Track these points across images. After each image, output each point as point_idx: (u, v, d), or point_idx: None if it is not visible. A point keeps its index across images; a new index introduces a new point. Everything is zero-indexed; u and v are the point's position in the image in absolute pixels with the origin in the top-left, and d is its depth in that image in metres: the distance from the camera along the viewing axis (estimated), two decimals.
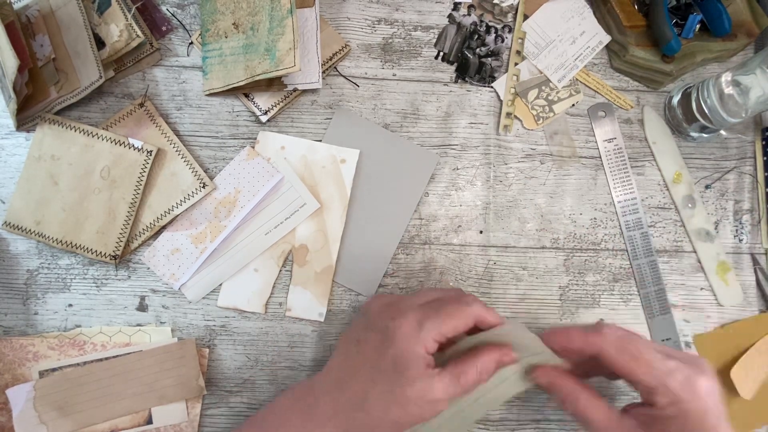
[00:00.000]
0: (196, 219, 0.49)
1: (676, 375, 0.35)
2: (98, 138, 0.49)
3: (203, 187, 0.49)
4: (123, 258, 0.49)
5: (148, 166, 0.49)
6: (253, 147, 0.50)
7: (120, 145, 0.49)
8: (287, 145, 0.51)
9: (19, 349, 0.48)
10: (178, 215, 0.49)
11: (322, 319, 0.50)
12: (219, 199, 0.48)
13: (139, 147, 0.49)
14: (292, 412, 0.41)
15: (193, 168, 0.49)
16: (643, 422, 0.36)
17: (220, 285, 0.50)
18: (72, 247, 0.48)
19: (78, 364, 0.48)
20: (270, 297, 0.50)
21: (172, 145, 0.50)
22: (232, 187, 0.49)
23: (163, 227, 0.49)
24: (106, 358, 0.48)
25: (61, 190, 0.48)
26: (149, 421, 0.47)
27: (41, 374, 0.47)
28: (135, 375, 0.47)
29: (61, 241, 0.48)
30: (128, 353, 0.48)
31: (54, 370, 0.48)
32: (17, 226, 0.48)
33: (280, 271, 0.50)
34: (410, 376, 0.37)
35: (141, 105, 0.50)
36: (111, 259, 0.48)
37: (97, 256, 0.48)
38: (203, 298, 0.50)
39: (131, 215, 0.48)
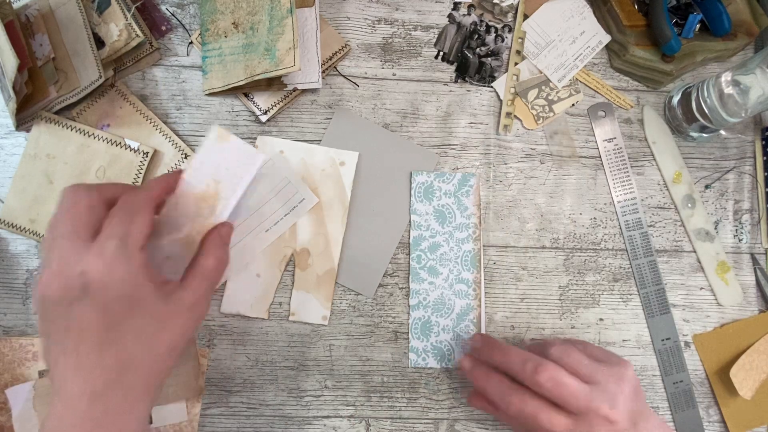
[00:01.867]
0: (177, 222, 0.39)
1: (591, 405, 0.39)
2: (94, 138, 0.49)
3: (185, 158, 0.50)
4: None
5: (144, 167, 0.49)
6: (224, 128, 0.41)
7: (116, 145, 0.49)
8: (286, 149, 0.51)
9: (19, 348, 0.48)
10: None
11: (326, 323, 0.50)
12: (196, 194, 0.39)
13: (135, 148, 0.49)
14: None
15: (173, 140, 0.50)
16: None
17: (223, 289, 0.50)
18: None
19: None
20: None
21: (149, 120, 0.50)
22: (210, 178, 0.39)
23: None
24: None
25: (56, 189, 0.48)
26: (149, 421, 0.47)
27: (41, 374, 0.47)
28: None
29: None
30: None
31: None
32: (12, 224, 0.48)
33: (283, 274, 0.50)
34: (151, 303, 0.34)
35: (112, 86, 0.50)
36: None
37: None
38: None
39: None
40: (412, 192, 0.52)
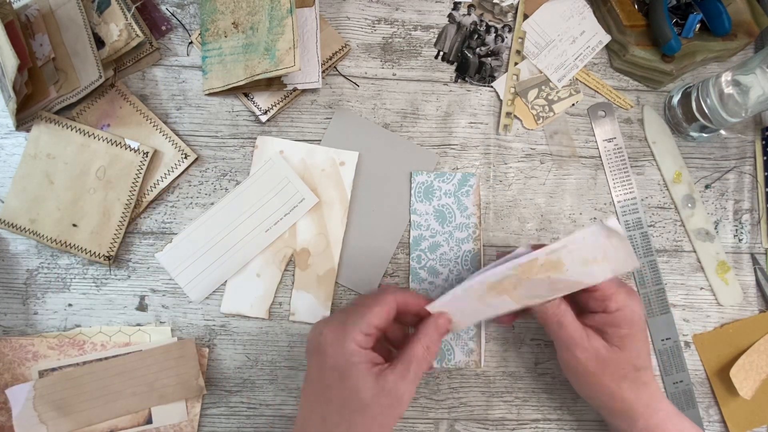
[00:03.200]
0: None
1: (621, 287, 0.42)
2: (94, 138, 0.49)
3: (185, 158, 0.50)
4: (121, 244, 0.49)
5: (144, 167, 0.49)
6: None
7: (116, 145, 0.49)
8: (286, 149, 0.51)
9: (19, 348, 0.48)
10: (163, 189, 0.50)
11: None
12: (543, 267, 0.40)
13: (135, 148, 0.49)
14: None
15: (173, 140, 0.50)
16: (595, 330, 0.42)
17: (223, 289, 0.50)
18: (66, 246, 0.48)
19: (78, 364, 0.48)
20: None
21: (149, 120, 0.50)
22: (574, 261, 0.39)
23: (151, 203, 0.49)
24: (106, 358, 0.48)
25: (56, 189, 0.48)
26: (149, 421, 0.47)
27: (41, 374, 0.47)
28: (135, 375, 0.47)
29: (55, 240, 0.48)
30: (128, 353, 0.48)
31: (54, 369, 0.48)
32: (12, 224, 0.48)
33: (283, 274, 0.50)
34: (357, 377, 0.38)
35: (112, 86, 0.50)
36: (105, 260, 0.48)
37: (90, 256, 0.48)
38: (204, 298, 0.50)
39: (126, 216, 0.48)
40: (412, 192, 0.52)
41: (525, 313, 0.44)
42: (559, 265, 0.39)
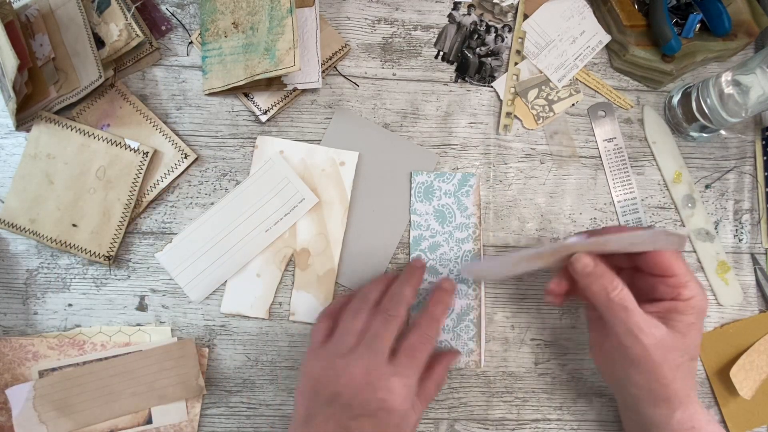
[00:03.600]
0: None
1: (694, 277, 0.42)
2: (94, 138, 0.49)
3: (185, 157, 0.50)
4: (121, 244, 0.49)
5: (144, 167, 0.49)
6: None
7: (116, 145, 0.49)
8: (286, 149, 0.51)
9: (19, 348, 0.48)
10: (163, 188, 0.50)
11: None
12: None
13: (135, 148, 0.49)
14: None
15: (173, 140, 0.50)
16: (659, 316, 0.42)
17: (223, 289, 0.50)
18: (66, 246, 0.48)
19: (78, 364, 0.48)
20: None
21: (149, 120, 0.50)
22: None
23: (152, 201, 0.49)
24: (106, 358, 0.48)
25: (56, 189, 0.48)
26: (149, 421, 0.47)
27: (41, 374, 0.47)
28: (135, 375, 0.47)
29: (55, 240, 0.48)
30: (128, 353, 0.48)
31: (54, 369, 0.48)
32: (12, 224, 0.48)
33: (283, 274, 0.50)
34: (410, 422, 0.41)
35: (112, 86, 0.50)
36: (105, 260, 0.48)
37: (90, 256, 0.48)
38: (204, 298, 0.50)
39: (126, 216, 0.48)
40: (412, 192, 0.52)
41: (575, 294, 0.45)
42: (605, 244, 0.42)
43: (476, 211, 0.52)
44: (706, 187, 0.54)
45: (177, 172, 0.50)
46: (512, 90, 0.54)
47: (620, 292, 0.41)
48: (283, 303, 0.50)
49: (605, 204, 0.53)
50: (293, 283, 0.50)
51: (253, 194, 0.50)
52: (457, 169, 0.53)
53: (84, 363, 0.48)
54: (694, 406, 0.42)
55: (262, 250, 0.50)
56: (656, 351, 0.41)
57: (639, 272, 0.44)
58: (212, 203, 0.51)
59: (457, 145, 0.53)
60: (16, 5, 0.49)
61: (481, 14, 0.55)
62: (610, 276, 0.42)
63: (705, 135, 0.53)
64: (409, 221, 0.51)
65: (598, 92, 0.55)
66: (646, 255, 0.42)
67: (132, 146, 0.49)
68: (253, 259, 0.50)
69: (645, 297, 0.43)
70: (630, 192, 0.53)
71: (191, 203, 0.51)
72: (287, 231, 0.50)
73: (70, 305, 0.49)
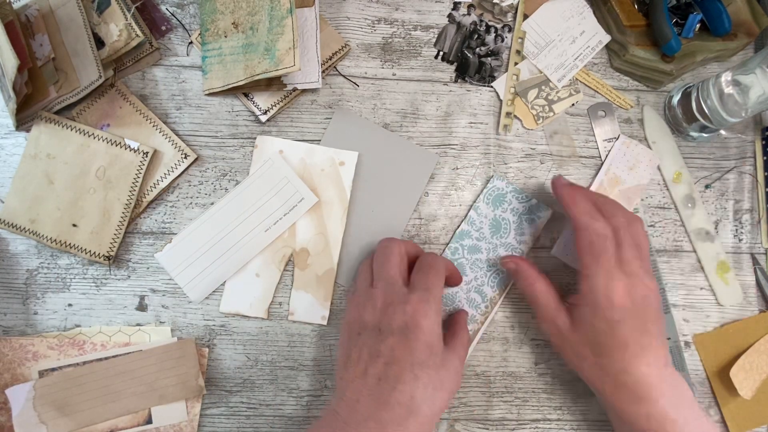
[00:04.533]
0: None
1: (603, 273, 0.42)
2: (94, 138, 0.49)
3: (185, 158, 0.50)
4: (121, 244, 0.49)
5: (144, 167, 0.49)
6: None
7: (116, 145, 0.49)
8: (285, 148, 0.51)
9: (19, 348, 0.48)
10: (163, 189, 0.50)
11: (324, 323, 0.50)
12: None
13: (135, 148, 0.49)
14: None
15: (173, 140, 0.50)
16: (569, 307, 0.45)
17: (222, 289, 0.50)
18: (66, 246, 0.48)
19: (78, 364, 0.48)
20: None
21: (148, 120, 0.50)
22: None
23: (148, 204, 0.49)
24: (106, 358, 0.48)
25: (56, 189, 0.48)
26: (149, 421, 0.47)
27: (41, 374, 0.47)
28: (135, 375, 0.47)
29: (55, 240, 0.48)
30: (128, 353, 0.48)
31: (54, 369, 0.48)
32: (12, 224, 0.48)
33: (282, 274, 0.50)
34: (441, 353, 0.41)
35: (112, 86, 0.50)
36: (105, 260, 0.48)
37: (90, 256, 0.48)
38: (204, 298, 0.50)
39: (126, 216, 0.48)
40: (484, 192, 0.52)
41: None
42: None
43: (530, 242, 0.51)
44: (706, 187, 0.54)
45: (177, 172, 0.50)
46: (512, 90, 0.54)
47: (532, 287, 0.46)
48: (283, 303, 0.50)
49: None
50: (292, 282, 0.50)
51: (252, 194, 0.50)
52: (457, 169, 0.53)
53: (84, 363, 0.48)
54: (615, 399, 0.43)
55: (261, 250, 0.50)
56: (555, 339, 0.45)
57: None
58: (212, 203, 0.51)
59: (457, 145, 0.53)
60: (16, 5, 0.49)
61: (481, 14, 0.55)
62: (526, 274, 0.47)
63: (705, 135, 0.53)
64: (467, 214, 0.52)
65: (598, 92, 0.55)
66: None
67: (132, 146, 0.49)
68: (252, 258, 0.50)
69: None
70: None
71: (191, 203, 0.51)
72: (286, 231, 0.50)
73: (70, 305, 0.49)
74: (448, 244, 0.51)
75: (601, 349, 0.42)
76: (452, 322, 0.48)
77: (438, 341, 0.41)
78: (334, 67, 0.53)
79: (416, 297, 0.41)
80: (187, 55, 0.52)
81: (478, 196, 0.52)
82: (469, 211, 0.52)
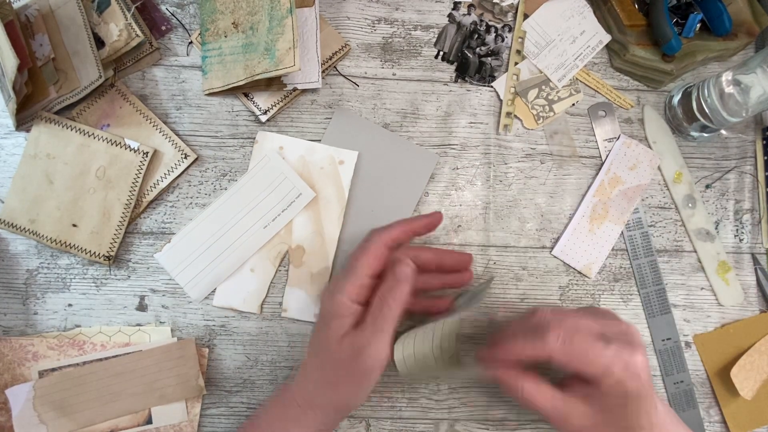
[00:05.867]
0: None
1: (617, 361, 0.38)
2: (94, 138, 0.49)
3: (185, 158, 0.50)
4: (121, 244, 0.49)
5: (144, 167, 0.49)
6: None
7: (116, 145, 0.49)
8: (286, 145, 0.51)
9: (19, 349, 0.48)
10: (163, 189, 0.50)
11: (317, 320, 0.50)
12: None
13: (135, 148, 0.49)
14: (280, 422, 0.43)
15: (173, 140, 0.50)
16: (584, 397, 0.40)
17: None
18: (66, 246, 0.48)
19: (78, 364, 0.48)
20: (267, 297, 0.50)
21: (149, 120, 0.50)
22: None
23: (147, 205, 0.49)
24: (106, 358, 0.48)
25: (56, 189, 0.48)
26: (149, 421, 0.47)
27: (41, 374, 0.47)
28: (135, 375, 0.47)
29: (55, 240, 0.48)
30: (128, 353, 0.48)
31: (54, 370, 0.48)
32: (11, 224, 0.48)
33: (278, 271, 0.50)
34: (332, 327, 0.41)
35: (112, 86, 0.50)
36: (105, 260, 0.48)
37: (90, 256, 0.48)
38: (205, 297, 0.50)
39: (126, 216, 0.48)
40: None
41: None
42: None
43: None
44: (707, 186, 0.54)
45: (177, 172, 0.50)
46: (512, 90, 0.54)
47: (521, 393, 0.40)
48: (283, 303, 0.50)
49: None
50: (287, 279, 0.50)
51: (250, 191, 0.50)
52: (457, 168, 0.53)
53: (84, 363, 0.48)
54: None
55: (260, 247, 0.50)
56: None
57: None
58: (212, 203, 0.51)
59: (457, 145, 0.53)
60: (16, 5, 0.49)
61: (481, 14, 0.55)
62: (510, 379, 0.41)
63: (705, 135, 0.53)
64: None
65: (598, 92, 0.55)
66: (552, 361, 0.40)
67: (132, 146, 0.49)
68: (251, 255, 0.50)
69: (574, 377, 0.41)
70: None
71: (191, 203, 0.51)
72: (283, 227, 0.50)
73: (70, 305, 0.49)
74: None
75: (638, 416, 0.39)
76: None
77: (335, 316, 0.41)
78: (334, 67, 0.53)
79: (335, 276, 0.44)
80: (187, 55, 0.52)
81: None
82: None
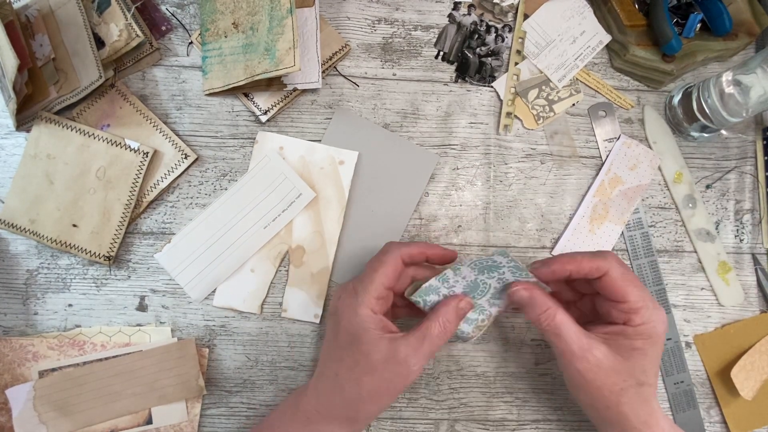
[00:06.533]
0: None
1: (653, 304, 0.42)
2: (94, 138, 0.49)
3: (185, 158, 0.50)
4: (121, 244, 0.49)
5: (144, 167, 0.49)
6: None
7: (116, 145, 0.49)
8: (286, 145, 0.51)
9: (19, 349, 0.48)
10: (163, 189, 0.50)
11: (317, 321, 0.50)
12: None
13: (136, 148, 0.49)
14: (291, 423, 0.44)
15: (173, 141, 0.50)
16: (606, 340, 0.41)
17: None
18: (66, 246, 0.48)
19: (78, 364, 0.48)
20: (267, 297, 0.50)
21: (149, 121, 0.50)
22: None
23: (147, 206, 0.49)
24: (106, 358, 0.48)
25: (56, 190, 0.48)
26: (149, 421, 0.47)
27: (41, 374, 0.47)
28: (135, 375, 0.47)
29: (55, 241, 0.48)
30: (128, 353, 0.48)
31: (54, 370, 0.48)
32: (12, 224, 0.48)
33: (278, 271, 0.50)
34: (368, 341, 0.40)
35: (112, 86, 0.50)
36: (105, 260, 0.48)
37: (90, 256, 0.48)
38: (205, 297, 0.50)
39: (126, 216, 0.48)
40: (476, 261, 0.42)
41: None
42: None
43: (503, 307, 0.44)
44: (707, 187, 0.54)
45: (177, 173, 0.50)
46: (512, 90, 0.53)
47: (552, 319, 0.41)
48: (282, 302, 0.50)
49: None
50: (287, 279, 0.50)
51: (250, 191, 0.50)
52: (458, 169, 0.53)
53: (84, 363, 0.48)
54: None
55: (261, 247, 0.50)
56: (590, 374, 0.40)
57: (598, 296, 0.44)
58: (212, 203, 0.51)
59: (457, 145, 0.53)
60: (16, 5, 0.49)
61: (481, 14, 0.55)
62: (543, 304, 0.41)
63: (706, 135, 0.53)
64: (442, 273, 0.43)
65: (598, 92, 0.55)
66: (601, 281, 0.42)
67: (132, 146, 0.49)
68: (251, 256, 0.50)
69: (602, 320, 0.43)
70: None
71: (191, 203, 0.51)
72: (283, 228, 0.50)
73: (70, 305, 0.49)
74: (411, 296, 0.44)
75: (647, 377, 0.41)
76: (429, 314, 0.43)
77: (360, 329, 0.41)
78: (334, 67, 0.53)
79: (345, 286, 0.44)
80: (187, 55, 0.52)
81: (476, 260, 0.42)
82: (445, 270, 0.42)
